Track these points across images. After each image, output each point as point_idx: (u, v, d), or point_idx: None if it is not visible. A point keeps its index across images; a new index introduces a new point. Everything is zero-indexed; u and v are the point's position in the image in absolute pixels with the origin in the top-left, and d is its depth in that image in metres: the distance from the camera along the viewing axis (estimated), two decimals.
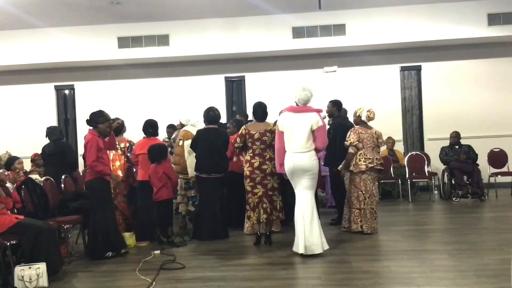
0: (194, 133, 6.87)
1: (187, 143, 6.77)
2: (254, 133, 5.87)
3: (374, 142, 6.43)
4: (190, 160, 6.70)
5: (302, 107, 5.46)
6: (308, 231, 5.24)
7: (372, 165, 6.31)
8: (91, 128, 5.64)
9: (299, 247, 5.27)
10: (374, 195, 6.41)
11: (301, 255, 5.27)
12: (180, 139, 6.99)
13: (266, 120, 6.12)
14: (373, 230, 6.28)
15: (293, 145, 5.35)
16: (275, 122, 5.99)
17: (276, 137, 5.55)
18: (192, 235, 6.52)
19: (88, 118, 5.68)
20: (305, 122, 5.35)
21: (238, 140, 5.97)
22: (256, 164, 5.81)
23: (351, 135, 6.37)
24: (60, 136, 7.50)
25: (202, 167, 6.41)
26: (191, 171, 6.71)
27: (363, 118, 6.46)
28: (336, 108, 7.12)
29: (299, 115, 5.40)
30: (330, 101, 7.19)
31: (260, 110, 6.05)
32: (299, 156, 5.33)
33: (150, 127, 6.63)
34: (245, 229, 6.63)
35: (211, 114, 6.60)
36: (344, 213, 6.55)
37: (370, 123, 6.55)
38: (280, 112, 5.87)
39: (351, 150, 6.35)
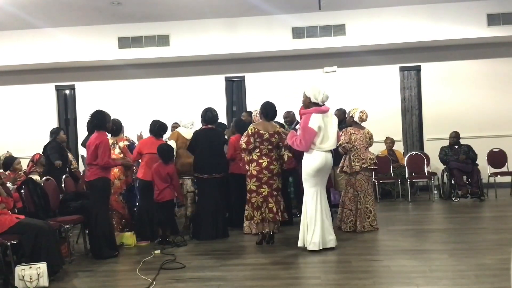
0: (184, 134, 6.89)
1: (173, 142, 6.81)
2: (264, 133, 5.80)
3: (367, 142, 6.53)
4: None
5: (326, 107, 5.53)
6: (329, 225, 5.45)
7: (365, 166, 6.41)
8: (100, 130, 5.69)
9: (315, 243, 5.35)
10: (370, 194, 6.51)
11: (302, 252, 5.32)
12: (167, 139, 7.07)
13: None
14: (363, 229, 6.36)
15: (326, 144, 5.44)
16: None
17: (304, 135, 5.38)
18: (191, 235, 6.54)
19: (95, 122, 5.71)
20: (334, 122, 5.52)
21: (251, 140, 5.78)
22: (264, 164, 5.77)
23: (342, 135, 6.41)
24: (54, 135, 7.51)
25: (203, 168, 6.42)
26: None
27: (356, 118, 6.53)
28: None
29: (327, 116, 5.48)
30: None
31: (272, 111, 5.98)
32: (329, 155, 5.51)
33: (162, 130, 6.77)
34: (244, 228, 6.64)
35: (208, 115, 6.62)
36: (339, 212, 6.66)
37: (363, 124, 6.63)
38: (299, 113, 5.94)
39: (340, 150, 6.44)
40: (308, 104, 5.54)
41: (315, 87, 5.50)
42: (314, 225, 5.39)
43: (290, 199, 7.29)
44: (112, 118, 6.58)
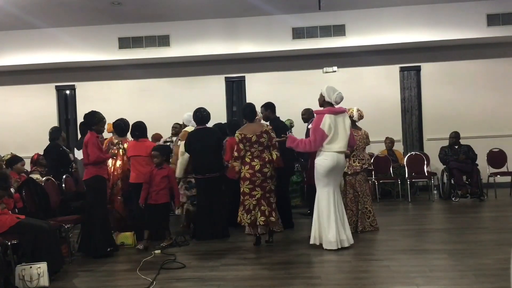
0: None
1: (183, 143, 6.83)
2: (250, 136, 5.77)
3: (364, 142, 6.59)
4: (180, 161, 6.77)
5: (339, 108, 5.58)
6: (341, 225, 5.47)
7: (365, 166, 6.49)
8: (90, 130, 5.77)
9: (332, 243, 5.38)
10: (368, 194, 6.56)
11: (302, 252, 5.31)
12: (179, 139, 7.05)
13: (262, 121, 6.12)
14: (364, 229, 6.40)
15: (337, 145, 5.47)
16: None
17: (315, 135, 5.43)
18: (192, 235, 6.54)
19: (84, 122, 5.81)
20: (346, 123, 5.54)
21: (241, 146, 5.77)
22: (257, 167, 5.73)
23: None
24: (53, 136, 7.56)
25: (196, 168, 6.42)
26: (178, 172, 6.76)
27: (355, 118, 6.53)
28: (270, 110, 6.94)
29: (340, 116, 5.52)
30: (262, 106, 6.99)
31: (249, 109, 6.00)
32: (341, 156, 5.53)
33: (137, 130, 6.58)
34: (246, 229, 6.61)
35: (198, 115, 6.61)
36: None
37: (360, 123, 6.69)
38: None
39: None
40: (323, 103, 5.61)
41: (330, 87, 5.60)
42: (328, 224, 5.42)
43: (289, 200, 7.28)
44: (121, 118, 6.73)
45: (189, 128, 7.06)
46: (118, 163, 6.62)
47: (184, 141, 6.86)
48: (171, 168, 6.36)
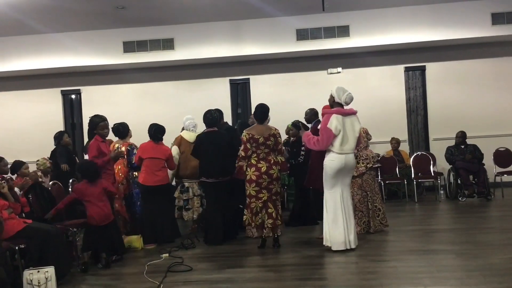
0: (187, 137, 6.91)
1: (175, 148, 6.90)
2: (258, 137, 5.75)
3: (365, 141, 6.57)
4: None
5: (349, 109, 5.57)
6: (349, 225, 5.47)
7: (370, 165, 6.47)
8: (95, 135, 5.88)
9: (340, 243, 5.39)
10: (377, 192, 6.55)
11: (308, 253, 5.30)
12: (171, 144, 7.07)
13: (269, 124, 6.09)
14: (375, 229, 6.39)
15: (346, 146, 5.46)
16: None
17: (322, 135, 5.42)
18: (204, 240, 6.41)
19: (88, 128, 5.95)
20: (355, 125, 5.54)
21: (248, 146, 5.74)
22: (263, 169, 5.71)
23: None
24: (58, 140, 7.69)
25: (209, 172, 6.34)
26: (170, 178, 6.87)
27: None
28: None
29: (349, 118, 5.51)
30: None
31: (260, 111, 5.96)
32: (350, 157, 5.53)
33: (160, 133, 6.67)
34: (246, 232, 6.58)
35: (208, 117, 6.56)
36: None
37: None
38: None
39: None
40: (333, 103, 5.61)
41: (340, 88, 5.58)
42: (336, 225, 5.42)
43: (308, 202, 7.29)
44: (121, 122, 6.78)
45: (184, 133, 7.05)
46: (119, 166, 6.63)
47: (175, 145, 6.90)
48: (103, 181, 5.73)
